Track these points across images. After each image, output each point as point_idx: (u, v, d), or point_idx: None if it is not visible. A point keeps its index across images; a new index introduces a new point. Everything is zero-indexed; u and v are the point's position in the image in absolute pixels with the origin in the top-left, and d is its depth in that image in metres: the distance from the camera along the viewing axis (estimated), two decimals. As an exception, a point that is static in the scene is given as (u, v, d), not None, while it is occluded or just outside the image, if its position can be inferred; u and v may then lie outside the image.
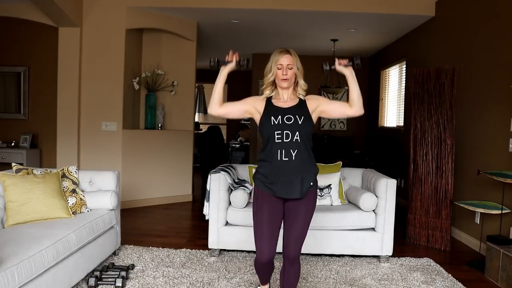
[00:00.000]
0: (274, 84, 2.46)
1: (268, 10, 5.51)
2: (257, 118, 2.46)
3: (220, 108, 2.46)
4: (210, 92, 11.02)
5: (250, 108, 2.47)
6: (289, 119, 2.35)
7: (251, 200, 3.80)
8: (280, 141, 2.33)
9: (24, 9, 5.29)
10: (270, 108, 2.42)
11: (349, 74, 2.40)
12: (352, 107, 2.41)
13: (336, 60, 2.40)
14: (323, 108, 2.45)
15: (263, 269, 2.53)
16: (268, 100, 2.47)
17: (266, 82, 2.46)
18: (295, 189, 2.35)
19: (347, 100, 2.46)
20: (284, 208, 2.44)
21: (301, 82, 2.44)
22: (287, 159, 2.32)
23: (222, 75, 2.43)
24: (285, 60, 2.37)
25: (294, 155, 2.32)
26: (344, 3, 5.39)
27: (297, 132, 2.33)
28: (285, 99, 2.45)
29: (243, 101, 2.51)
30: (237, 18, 5.96)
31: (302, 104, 2.43)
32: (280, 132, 2.33)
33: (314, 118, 2.44)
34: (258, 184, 2.44)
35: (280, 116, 2.36)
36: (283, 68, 2.37)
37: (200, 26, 6.34)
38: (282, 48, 2.44)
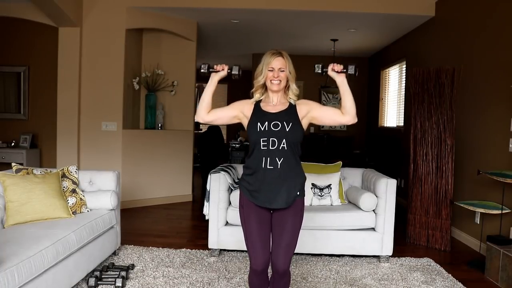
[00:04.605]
0: (264, 86, 2.37)
1: (268, 10, 5.51)
2: (245, 123, 2.37)
3: (208, 115, 2.37)
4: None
5: (238, 113, 2.38)
6: (276, 125, 2.24)
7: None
8: (266, 148, 2.23)
9: (24, 9, 5.29)
10: (257, 113, 2.32)
11: (341, 81, 2.26)
12: (345, 115, 2.28)
13: (330, 65, 2.29)
14: (314, 114, 2.34)
15: (258, 282, 2.41)
16: (257, 104, 2.36)
17: (256, 85, 2.36)
18: (279, 199, 2.25)
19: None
20: (271, 218, 2.34)
21: (293, 86, 2.34)
22: (272, 167, 2.23)
23: (212, 83, 2.36)
24: (277, 63, 2.28)
25: (280, 164, 2.23)
26: (344, 3, 5.39)
27: (284, 140, 2.22)
28: (274, 102, 2.35)
29: (231, 106, 2.41)
30: (237, 18, 5.96)
31: (291, 109, 2.32)
32: (266, 139, 2.23)
33: (305, 124, 2.34)
34: (243, 191, 2.36)
35: (267, 122, 2.25)
36: (275, 71, 2.28)
37: (200, 26, 6.34)
38: (274, 50, 2.34)
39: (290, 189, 2.27)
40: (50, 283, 2.56)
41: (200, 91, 11.61)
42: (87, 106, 5.52)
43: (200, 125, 10.88)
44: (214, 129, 8.18)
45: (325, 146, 8.14)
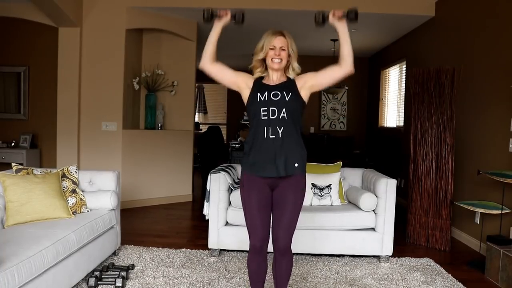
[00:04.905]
0: (264, 65, 2.40)
1: (268, 10, 5.51)
2: (246, 94, 2.39)
3: (212, 65, 2.37)
4: (210, 92, 11.03)
5: (241, 82, 2.40)
6: (276, 95, 2.29)
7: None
8: (266, 118, 2.27)
9: (24, 9, 5.29)
10: (258, 86, 2.37)
11: (342, 29, 2.27)
12: (342, 66, 2.29)
13: (331, 12, 2.27)
14: (312, 82, 2.37)
15: (256, 265, 2.44)
16: (258, 79, 2.41)
17: (255, 60, 2.39)
18: (279, 166, 2.29)
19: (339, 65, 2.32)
20: (272, 198, 2.38)
21: (295, 64, 2.38)
22: (273, 136, 2.27)
23: (216, 28, 2.34)
24: (278, 41, 2.32)
25: (281, 133, 2.26)
26: (344, 3, 5.37)
27: (284, 109, 2.27)
28: (274, 80, 2.39)
29: (237, 72, 2.43)
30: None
31: (290, 82, 2.37)
32: (266, 108, 2.27)
33: (305, 95, 2.37)
34: (244, 167, 2.40)
35: (266, 93, 2.30)
36: (276, 49, 2.31)
37: (200, 26, 6.34)
38: (276, 29, 2.37)
39: (289, 158, 2.30)
40: (50, 283, 2.55)
41: (200, 91, 11.61)
42: (87, 106, 5.52)
43: (200, 125, 10.89)
44: (214, 129, 8.19)
45: (325, 146, 8.14)
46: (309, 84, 2.38)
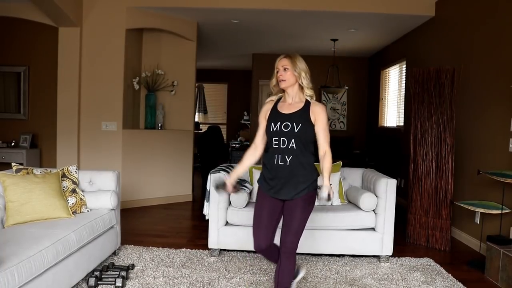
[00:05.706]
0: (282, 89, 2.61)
1: (268, 10, 5.51)
2: None
3: (261, 149, 2.63)
4: (210, 91, 10.98)
5: (265, 123, 2.58)
6: (286, 126, 2.46)
7: (251, 200, 3.81)
8: (277, 146, 2.48)
9: (24, 9, 5.29)
10: (273, 114, 2.55)
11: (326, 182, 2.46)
12: (319, 153, 2.49)
13: (319, 181, 2.51)
14: (314, 121, 2.50)
15: (265, 254, 2.65)
16: (276, 104, 2.59)
17: (272, 88, 2.62)
18: (287, 192, 2.49)
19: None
20: (283, 206, 2.57)
21: (304, 82, 2.52)
22: (282, 164, 2.47)
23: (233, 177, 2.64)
24: (280, 63, 2.52)
25: (289, 161, 2.46)
26: (344, 3, 5.39)
27: (293, 140, 2.44)
28: (289, 101, 2.55)
29: (261, 122, 2.62)
30: (237, 18, 5.96)
31: (305, 110, 2.51)
32: (277, 138, 2.48)
33: (314, 122, 2.53)
34: (260, 183, 2.63)
35: (279, 123, 2.48)
36: (280, 70, 2.52)
37: (200, 26, 6.34)
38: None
39: (298, 184, 2.49)
40: (50, 283, 2.56)
41: (200, 91, 11.61)
42: (87, 106, 5.52)
43: (200, 125, 10.89)
44: (214, 129, 8.18)
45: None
46: (314, 117, 2.50)
